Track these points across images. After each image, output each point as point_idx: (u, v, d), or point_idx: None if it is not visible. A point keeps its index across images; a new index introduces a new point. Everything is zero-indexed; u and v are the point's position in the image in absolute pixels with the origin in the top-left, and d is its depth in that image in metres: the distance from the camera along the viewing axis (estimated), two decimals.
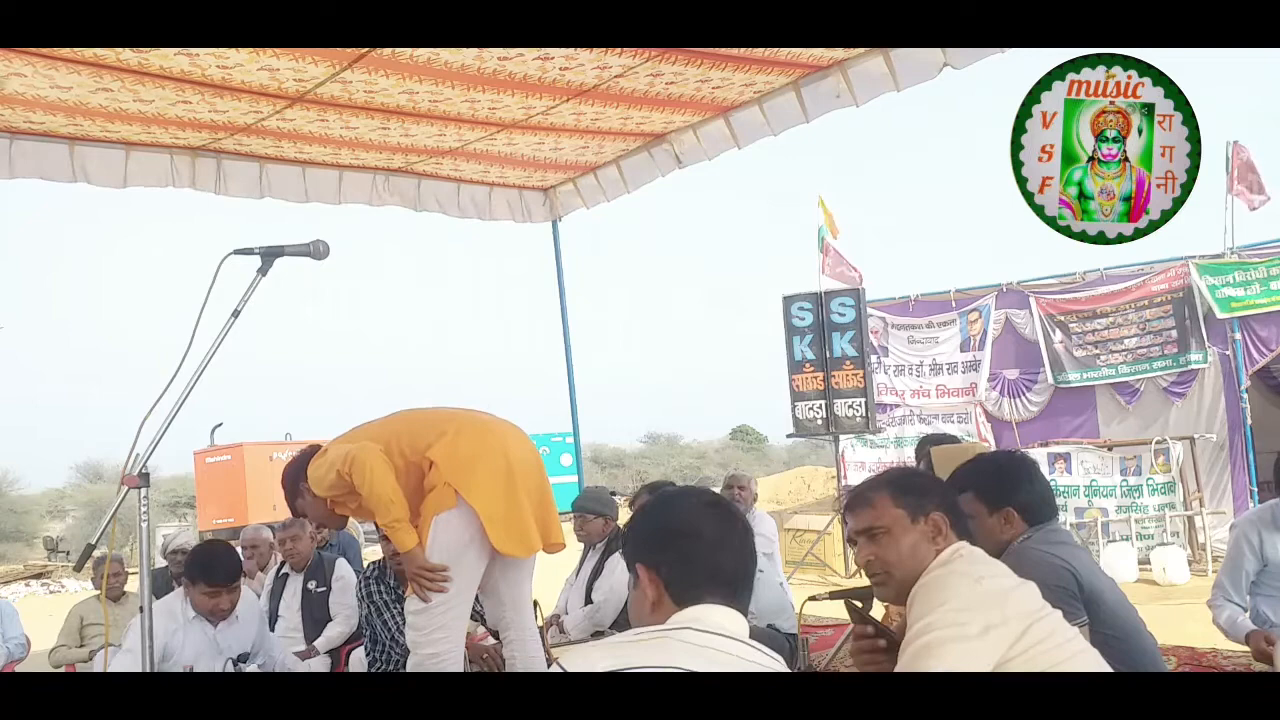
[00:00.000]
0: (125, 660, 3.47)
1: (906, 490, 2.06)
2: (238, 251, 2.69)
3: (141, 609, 2.61)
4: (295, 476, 3.55)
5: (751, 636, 1.53)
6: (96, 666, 5.11)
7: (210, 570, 3.71)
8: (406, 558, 3.22)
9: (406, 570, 3.26)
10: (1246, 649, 3.39)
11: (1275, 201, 8.68)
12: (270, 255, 2.74)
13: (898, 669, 1.87)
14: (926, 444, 4.49)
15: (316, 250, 2.79)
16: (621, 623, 4.67)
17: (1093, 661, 1.87)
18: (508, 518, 3.24)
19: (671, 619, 1.49)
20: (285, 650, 4.34)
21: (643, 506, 1.68)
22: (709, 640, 1.44)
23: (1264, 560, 3.42)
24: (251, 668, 3.88)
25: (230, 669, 3.77)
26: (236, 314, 2.64)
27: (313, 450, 3.53)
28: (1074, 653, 1.85)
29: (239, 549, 6.12)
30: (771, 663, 1.48)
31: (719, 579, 1.52)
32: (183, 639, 3.67)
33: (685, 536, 1.55)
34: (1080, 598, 2.37)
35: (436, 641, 3.20)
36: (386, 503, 3.18)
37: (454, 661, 3.23)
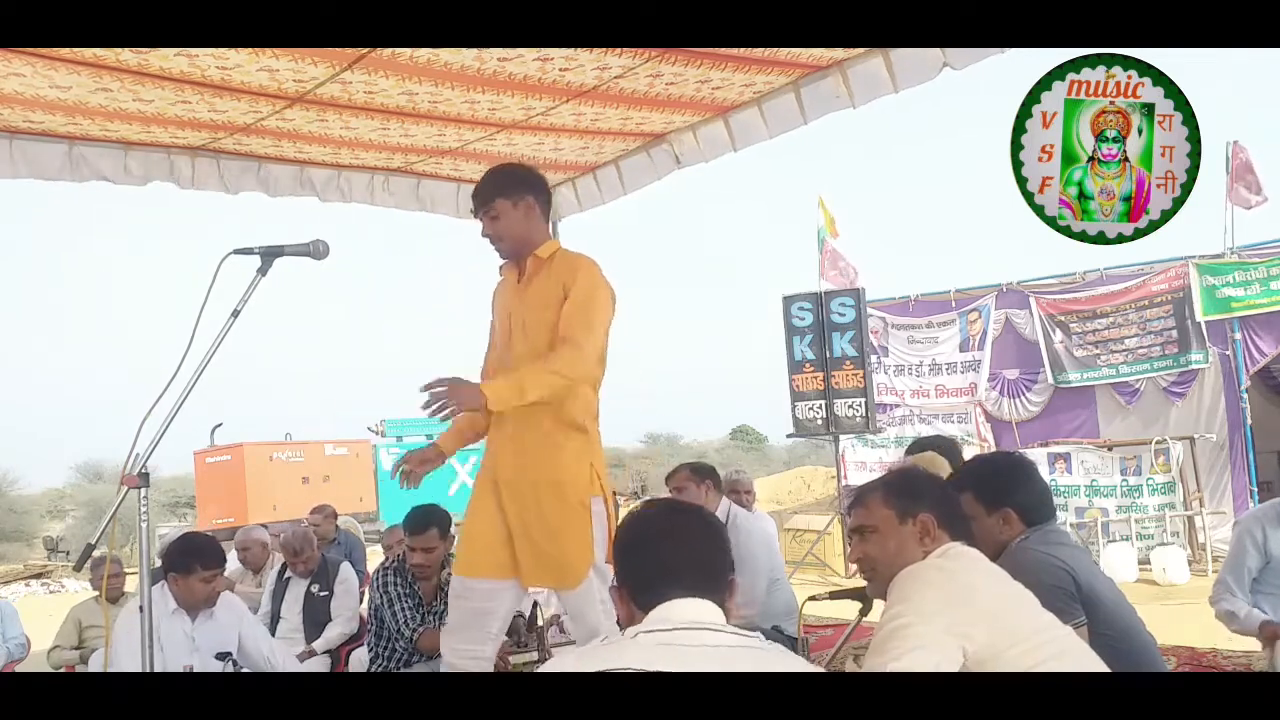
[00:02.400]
0: (125, 661, 3.46)
1: (898, 492, 2.12)
2: (237, 251, 2.69)
3: (141, 609, 2.61)
4: (533, 184, 3.13)
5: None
6: (94, 667, 5.10)
7: (208, 554, 3.77)
8: (472, 392, 2.74)
9: (450, 392, 2.72)
10: (1247, 649, 3.39)
11: (1275, 201, 8.69)
12: (270, 255, 2.73)
13: (866, 655, 1.92)
14: (916, 448, 4.47)
15: (316, 250, 2.79)
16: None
17: (1079, 661, 1.88)
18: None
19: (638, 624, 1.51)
20: (287, 651, 4.34)
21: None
22: (669, 637, 1.45)
23: (1267, 557, 3.41)
24: (275, 661, 3.90)
25: (230, 668, 3.77)
26: (236, 314, 2.63)
27: (533, 172, 3.19)
28: (1060, 651, 1.86)
29: (234, 550, 6.14)
30: (747, 644, 1.48)
31: (678, 575, 1.53)
32: (165, 633, 3.68)
33: (635, 548, 1.60)
34: (1078, 598, 2.37)
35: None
36: (593, 357, 2.89)
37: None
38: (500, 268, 3.22)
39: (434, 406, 2.70)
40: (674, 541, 1.57)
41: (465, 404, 2.75)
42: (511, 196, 3.05)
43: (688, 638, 1.45)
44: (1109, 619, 2.39)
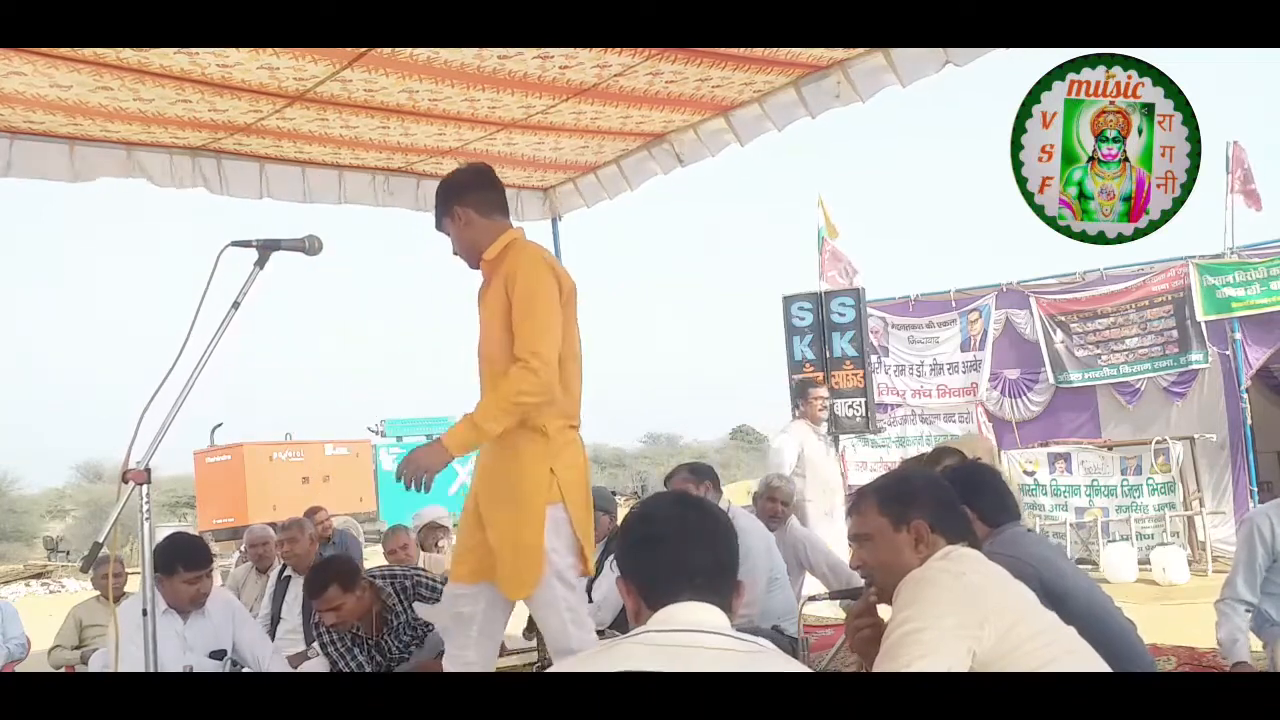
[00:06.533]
0: (128, 658, 3.45)
1: (891, 499, 2.13)
2: (234, 243, 2.68)
3: (145, 612, 2.59)
4: (459, 190, 3.07)
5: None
6: (94, 667, 5.10)
7: (192, 556, 3.75)
8: (435, 452, 2.80)
9: (415, 465, 2.80)
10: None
11: (1275, 201, 8.68)
12: (267, 247, 2.73)
13: (877, 658, 1.92)
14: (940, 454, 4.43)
15: (311, 245, 2.78)
16: (620, 622, 4.66)
17: (1084, 661, 1.89)
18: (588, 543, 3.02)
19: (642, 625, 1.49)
20: (279, 653, 4.33)
21: (623, 520, 1.69)
22: (673, 639, 1.44)
23: (1274, 554, 3.37)
24: (264, 663, 3.88)
25: (227, 666, 3.76)
26: (237, 305, 2.63)
27: (460, 176, 3.15)
28: (1063, 651, 1.87)
29: (244, 548, 6.14)
30: (753, 649, 1.47)
31: (690, 576, 1.52)
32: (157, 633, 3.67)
33: (652, 542, 1.57)
34: (1045, 592, 2.40)
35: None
36: (547, 369, 2.79)
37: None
38: None
39: (412, 484, 2.80)
40: (698, 548, 1.54)
41: (434, 467, 2.82)
42: (448, 212, 3.07)
43: (691, 639, 1.44)
44: (1080, 609, 2.41)
